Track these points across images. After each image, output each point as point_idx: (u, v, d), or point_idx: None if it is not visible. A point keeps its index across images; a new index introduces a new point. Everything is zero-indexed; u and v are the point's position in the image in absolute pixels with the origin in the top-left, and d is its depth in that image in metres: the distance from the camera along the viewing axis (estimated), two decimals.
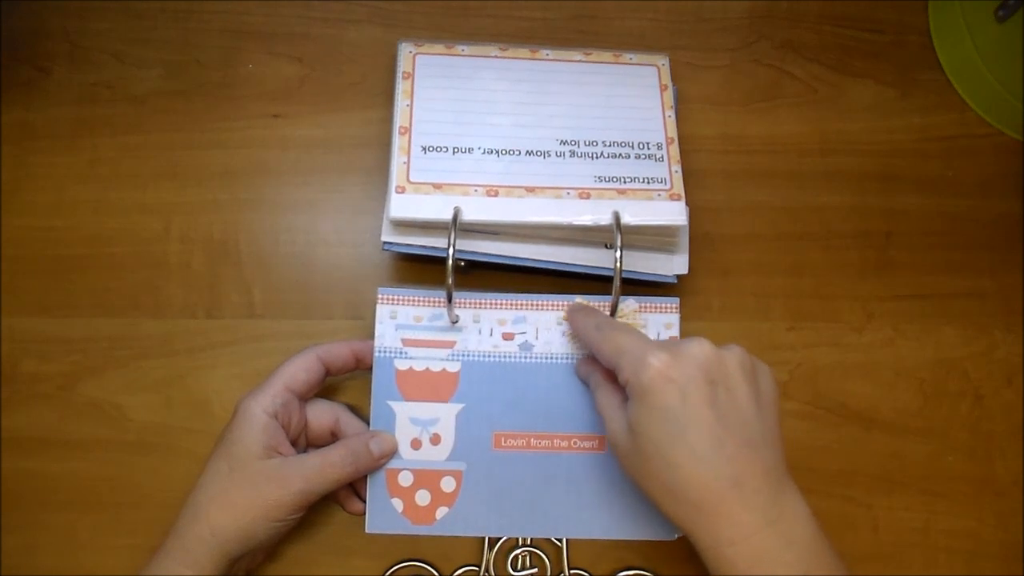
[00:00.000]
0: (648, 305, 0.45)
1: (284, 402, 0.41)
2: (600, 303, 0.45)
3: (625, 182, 0.45)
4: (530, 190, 0.44)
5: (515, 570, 0.45)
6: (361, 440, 0.42)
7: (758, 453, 0.34)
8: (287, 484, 0.39)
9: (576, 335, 0.44)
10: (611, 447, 0.38)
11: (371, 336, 0.44)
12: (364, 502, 0.43)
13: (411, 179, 0.44)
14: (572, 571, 0.45)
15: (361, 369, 0.45)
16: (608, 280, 0.43)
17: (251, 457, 0.39)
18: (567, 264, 0.45)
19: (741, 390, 0.35)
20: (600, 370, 0.41)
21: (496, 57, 0.48)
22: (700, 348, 0.35)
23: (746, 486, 0.33)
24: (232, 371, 0.46)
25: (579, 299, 0.45)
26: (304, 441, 0.43)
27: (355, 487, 0.45)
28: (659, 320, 0.45)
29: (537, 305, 0.45)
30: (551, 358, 0.44)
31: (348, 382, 0.48)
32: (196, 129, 0.51)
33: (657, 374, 0.34)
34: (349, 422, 0.44)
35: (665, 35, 0.54)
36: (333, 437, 0.44)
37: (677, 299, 0.46)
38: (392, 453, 0.43)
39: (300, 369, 0.42)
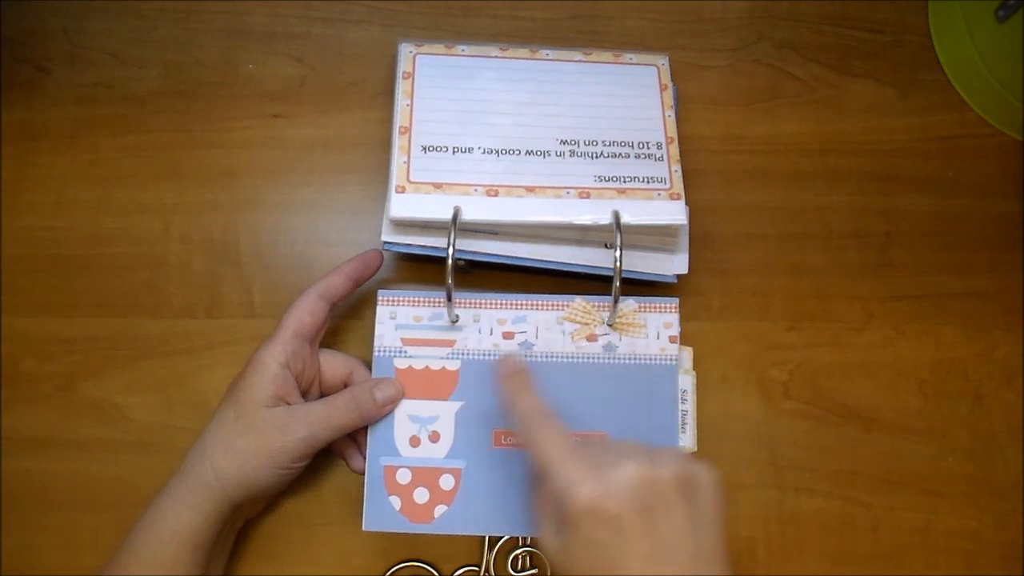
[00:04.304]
0: (648, 305, 0.45)
1: (294, 349, 0.41)
2: (600, 303, 0.45)
3: (625, 181, 0.45)
4: (530, 190, 0.44)
5: (515, 570, 0.45)
6: (365, 387, 0.42)
7: (698, 571, 0.33)
8: (291, 431, 0.40)
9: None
10: (541, 547, 0.36)
11: (371, 336, 0.44)
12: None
13: (411, 179, 0.44)
14: None
15: (362, 283, 0.45)
16: (608, 280, 0.43)
17: (257, 405, 0.40)
18: (567, 264, 0.45)
19: (678, 511, 0.33)
20: None
21: (496, 57, 0.48)
22: (633, 473, 0.33)
23: None
24: (232, 371, 0.46)
25: (579, 299, 0.45)
26: (318, 391, 0.44)
27: (359, 445, 0.45)
28: (658, 320, 0.45)
29: (537, 305, 0.45)
30: (551, 357, 0.44)
31: None
32: (196, 129, 0.51)
33: (586, 507, 0.32)
34: (363, 375, 0.44)
35: (665, 35, 0.54)
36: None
37: (677, 299, 0.46)
38: (396, 401, 0.43)
39: (305, 313, 0.42)
